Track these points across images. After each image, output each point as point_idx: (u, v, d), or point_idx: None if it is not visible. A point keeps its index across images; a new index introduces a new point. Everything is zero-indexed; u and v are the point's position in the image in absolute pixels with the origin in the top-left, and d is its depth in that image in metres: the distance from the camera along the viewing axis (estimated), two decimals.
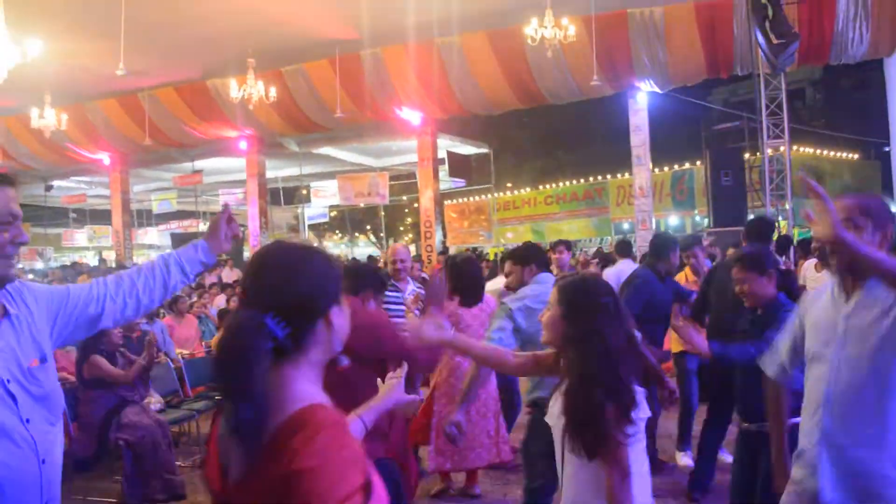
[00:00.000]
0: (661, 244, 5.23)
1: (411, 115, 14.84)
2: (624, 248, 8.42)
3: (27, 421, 1.79)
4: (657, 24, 11.46)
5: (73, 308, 2.01)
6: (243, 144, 16.91)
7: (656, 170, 19.58)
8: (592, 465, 2.15)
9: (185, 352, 7.74)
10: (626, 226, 21.07)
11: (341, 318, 1.50)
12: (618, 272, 7.39)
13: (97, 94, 15.17)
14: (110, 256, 21.13)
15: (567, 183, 23.03)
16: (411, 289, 5.60)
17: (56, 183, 21.58)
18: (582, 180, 22.61)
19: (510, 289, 4.08)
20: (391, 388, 2.20)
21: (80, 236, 24.57)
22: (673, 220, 21.53)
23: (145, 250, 26.89)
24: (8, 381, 1.77)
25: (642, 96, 13.32)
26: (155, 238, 25.60)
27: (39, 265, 22.06)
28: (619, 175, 19.85)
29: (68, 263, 18.50)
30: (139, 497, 4.96)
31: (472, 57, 12.84)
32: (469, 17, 11.68)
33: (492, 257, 21.34)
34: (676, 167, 19.86)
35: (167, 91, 15.07)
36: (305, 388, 1.43)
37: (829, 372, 2.26)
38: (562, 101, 13.96)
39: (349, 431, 1.43)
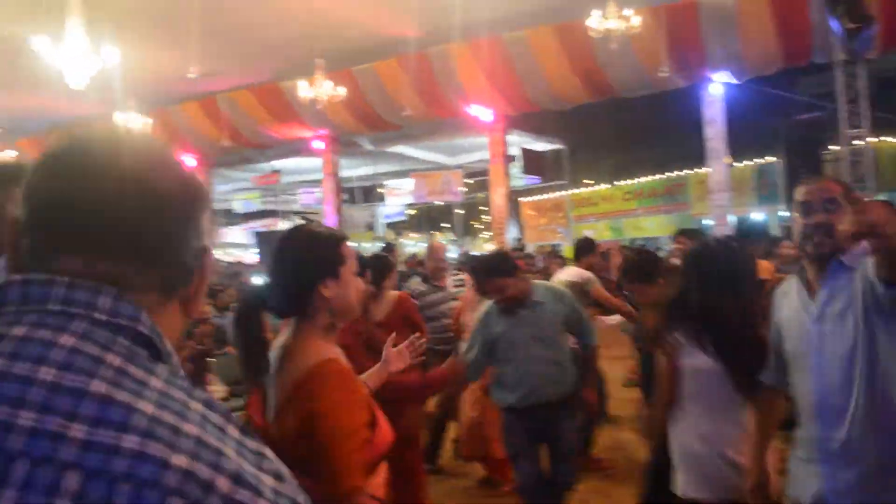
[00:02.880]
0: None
1: (482, 112, 14.83)
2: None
3: None
4: (729, 11, 11.06)
5: None
6: (318, 144, 17.25)
7: (738, 164, 18.98)
8: None
9: None
10: (708, 222, 20.51)
11: (336, 290, 1.87)
12: None
13: (178, 98, 15.75)
14: None
15: (646, 178, 22.57)
16: (451, 282, 5.59)
17: None
18: (661, 175, 22.13)
19: None
20: (390, 355, 2.52)
21: None
22: (757, 215, 20.82)
23: (231, 248, 27.78)
24: None
25: (716, 87, 12.90)
26: (239, 236, 26.44)
27: None
28: (698, 169, 19.32)
29: None
30: None
31: (539, 52, 12.72)
32: (535, 12, 11.59)
33: (569, 255, 21.17)
34: (759, 160, 19.20)
35: (243, 93, 15.52)
36: (319, 346, 1.83)
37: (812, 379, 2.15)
38: (633, 94, 13.67)
39: (356, 379, 1.87)
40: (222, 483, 0.62)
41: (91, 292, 0.70)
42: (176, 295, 0.79)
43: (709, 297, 2.71)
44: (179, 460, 0.61)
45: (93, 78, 9.64)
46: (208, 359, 5.95)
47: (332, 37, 12.14)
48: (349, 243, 1.97)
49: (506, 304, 3.92)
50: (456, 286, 5.65)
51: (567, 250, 23.51)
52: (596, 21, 9.74)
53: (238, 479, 0.63)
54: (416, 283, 5.71)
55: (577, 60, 12.46)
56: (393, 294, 4.35)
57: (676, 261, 8.22)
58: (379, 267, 4.18)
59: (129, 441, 0.60)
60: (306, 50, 12.39)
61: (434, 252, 5.75)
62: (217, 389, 6.14)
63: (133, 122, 13.74)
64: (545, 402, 3.90)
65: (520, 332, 3.93)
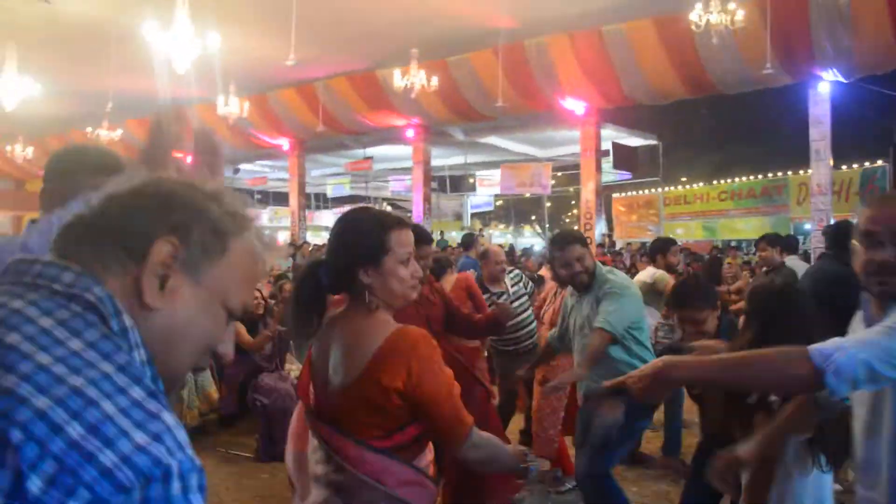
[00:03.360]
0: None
1: (575, 105, 14.64)
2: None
3: None
4: (842, 6, 10.52)
5: None
6: (410, 133, 17.41)
7: (844, 167, 18.15)
8: None
9: None
10: (807, 226, 19.71)
11: (375, 277, 1.92)
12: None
13: (278, 84, 16.16)
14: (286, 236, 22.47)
15: (744, 178, 21.84)
16: (509, 284, 5.54)
17: (242, 166, 23.29)
18: (760, 176, 21.37)
19: None
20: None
21: (263, 216, 26.37)
22: None
23: (322, 231, 28.41)
24: None
25: (824, 86, 12.33)
26: (329, 220, 26.98)
27: None
28: (801, 171, 18.54)
29: None
30: (271, 455, 5.35)
31: (638, 45, 12.44)
32: (634, 4, 11.34)
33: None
34: (868, 164, 18.29)
35: (340, 81, 15.79)
36: (386, 319, 1.94)
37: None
38: (733, 90, 13.21)
39: (431, 337, 1.95)
40: (73, 428, 0.67)
41: (59, 269, 0.81)
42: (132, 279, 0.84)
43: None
44: (40, 402, 0.67)
45: (195, 62, 10.01)
46: (288, 339, 6.11)
47: (427, 26, 12.21)
48: (403, 232, 1.97)
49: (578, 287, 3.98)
50: (513, 284, 5.59)
51: None
52: (697, 14, 9.44)
53: (95, 429, 0.68)
54: None
55: (677, 54, 12.12)
56: (453, 277, 5.10)
57: (760, 269, 7.97)
58: (436, 269, 4.76)
59: (8, 381, 0.68)
60: (402, 39, 12.51)
61: (492, 256, 5.65)
62: (293, 368, 6.32)
63: (233, 105, 14.20)
64: (586, 392, 3.98)
65: (574, 319, 4.05)
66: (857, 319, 1.99)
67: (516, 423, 5.95)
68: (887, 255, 1.75)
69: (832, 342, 1.68)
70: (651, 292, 5.77)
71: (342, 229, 2.02)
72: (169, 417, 0.73)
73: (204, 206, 0.90)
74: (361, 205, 24.66)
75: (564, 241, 3.95)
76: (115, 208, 0.87)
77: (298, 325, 2.02)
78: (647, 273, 6.11)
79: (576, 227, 16.79)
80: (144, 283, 0.83)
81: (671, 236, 22.86)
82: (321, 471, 1.98)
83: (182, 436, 0.73)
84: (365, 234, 1.96)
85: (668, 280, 5.80)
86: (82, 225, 0.87)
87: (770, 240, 6.66)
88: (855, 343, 1.68)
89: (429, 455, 2.04)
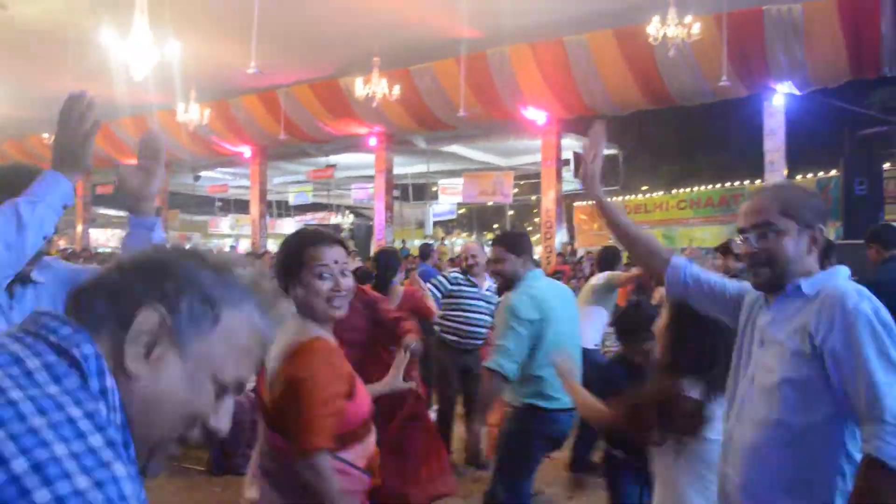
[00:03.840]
0: None
1: (536, 115, 14.77)
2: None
3: None
4: (796, 20, 10.80)
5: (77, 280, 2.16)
6: (373, 141, 17.39)
7: (799, 176, 18.51)
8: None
9: None
10: None
11: (298, 291, 2.09)
12: None
13: (239, 91, 16.04)
14: (247, 244, 22.26)
15: (702, 188, 22.15)
16: (488, 285, 5.64)
17: (203, 173, 23.01)
18: (718, 185, 21.69)
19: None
20: (390, 375, 2.61)
21: (224, 224, 26.11)
22: None
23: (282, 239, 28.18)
24: None
25: (778, 98, 12.63)
26: (291, 228, 26.75)
27: None
28: (757, 181, 18.88)
29: None
30: (223, 468, 5.31)
31: (598, 56, 12.61)
32: (595, 16, 11.49)
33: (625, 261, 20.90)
34: (822, 174, 18.68)
35: (303, 88, 15.73)
36: (308, 327, 2.10)
37: None
38: (691, 102, 13.46)
39: (339, 356, 2.11)
40: (18, 464, 0.69)
41: (59, 323, 0.84)
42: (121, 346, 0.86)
43: None
44: None
45: (155, 68, 9.90)
46: None
47: (390, 35, 12.23)
48: (320, 247, 2.12)
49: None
50: (489, 288, 5.72)
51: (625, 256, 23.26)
52: (655, 27, 9.60)
53: (38, 468, 0.70)
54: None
55: (636, 66, 12.31)
56: (400, 289, 5.10)
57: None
58: (383, 261, 4.92)
59: None
60: (365, 47, 12.50)
61: (465, 251, 6.04)
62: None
63: (193, 112, 14.06)
64: None
65: None
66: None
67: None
68: (749, 247, 1.92)
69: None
70: (604, 291, 5.89)
71: (278, 249, 2.31)
72: (120, 468, 0.74)
73: (197, 274, 0.89)
74: (349, 216, 24.48)
75: (494, 240, 4.07)
76: (115, 272, 0.90)
77: None
78: (598, 276, 6.20)
79: (537, 236, 16.90)
80: (127, 350, 0.84)
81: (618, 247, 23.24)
82: (258, 462, 2.20)
83: (130, 488, 0.74)
84: (286, 251, 2.21)
85: (621, 275, 5.91)
86: (90, 284, 0.90)
87: (724, 249, 6.75)
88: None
89: (364, 450, 2.16)
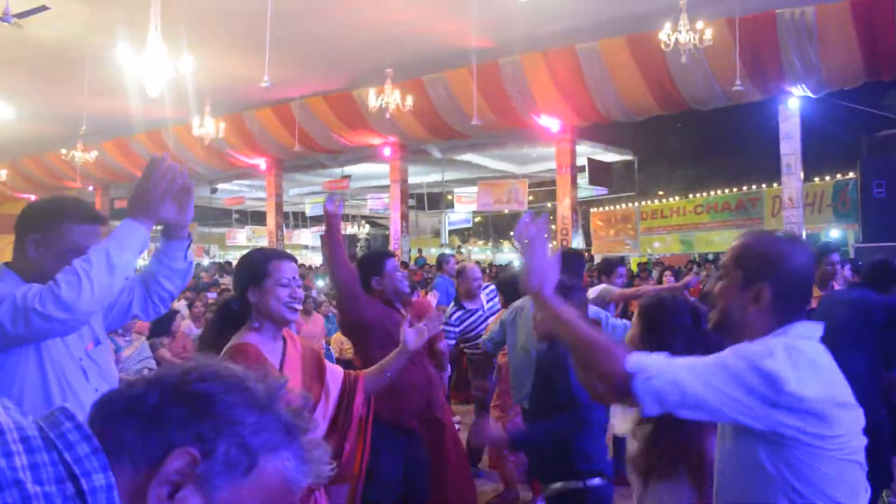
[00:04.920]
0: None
1: (550, 123, 14.76)
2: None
3: (96, 391, 2.07)
4: (809, 24, 10.74)
5: (116, 297, 2.28)
6: (387, 151, 17.45)
7: (816, 179, 18.38)
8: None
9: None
10: None
11: (258, 296, 2.43)
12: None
13: (254, 104, 16.16)
14: None
15: (719, 192, 22.02)
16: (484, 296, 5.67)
17: (220, 186, 23.20)
18: (735, 189, 21.56)
19: None
20: (406, 334, 2.79)
21: (241, 235, 26.26)
22: (834, 232, 20.09)
23: (301, 250, 28.28)
24: (80, 359, 2.15)
25: (794, 101, 12.54)
26: (308, 239, 26.90)
27: (206, 262, 23.77)
28: (774, 184, 18.76)
29: (222, 262, 19.76)
30: None
31: (611, 63, 12.58)
32: (607, 23, 11.49)
33: (634, 267, 20.83)
34: (839, 176, 18.53)
35: (317, 100, 15.82)
36: (242, 335, 2.45)
37: None
38: (706, 107, 13.39)
39: (258, 356, 2.37)
40: None
41: (79, 437, 0.76)
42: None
43: None
44: None
45: (171, 83, 9.99)
46: None
47: (403, 46, 12.28)
48: (283, 262, 2.47)
49: None
50: (489, 300, 5.71)
51: (633, 262, 23.18)
52: (666, 34, 9.57)
53: None
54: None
55: (649, 72, 12.28)
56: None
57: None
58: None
59: None
60: (378, 59, 12.56)
61: (468, 273, 5.81)
62: None
63: (208, 126, 14.18)
64: None
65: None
66: None
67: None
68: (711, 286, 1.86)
69: (656, 358, 1.63)
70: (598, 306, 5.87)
71: (238, 263, 2.65)
72: None
73: (239, 414, 0.81)
74: (366, 227, 24.67)
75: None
76: (152, 396, 0.81)
77: (205, 342, 2.78)
78: (592, 290, 6.12)
79: (553, 244, 16.87)
80: (151, 490, 0.77)
81: (648, 250, 23.13)
82: None
83: None
84: (251, 262, 2.54)
85: (612, 290, 5.88)
86: (122, 403, 0.82)
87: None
88: (680, 366, 1.62)
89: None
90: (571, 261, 4.24)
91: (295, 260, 2.58)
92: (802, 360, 1.60)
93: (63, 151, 17.53)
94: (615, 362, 1.61)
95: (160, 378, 0.84)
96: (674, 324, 2.43)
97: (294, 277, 2.48)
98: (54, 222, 2.12)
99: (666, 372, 1.58)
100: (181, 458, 0.77)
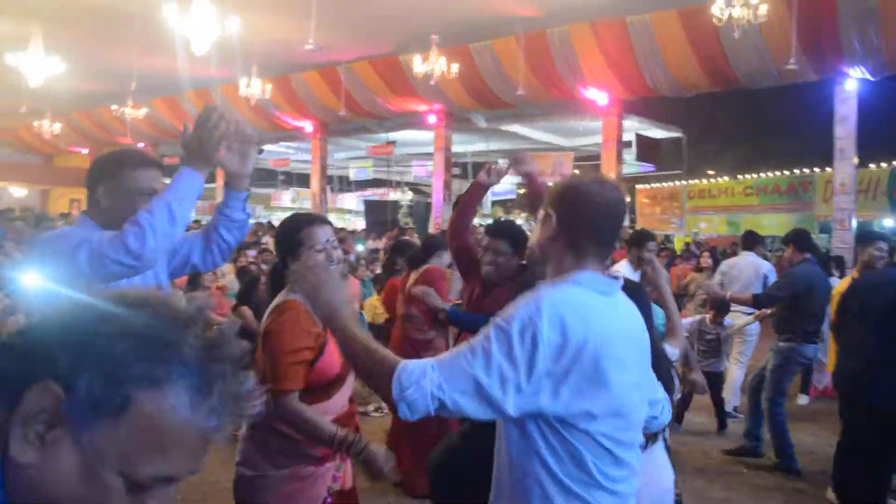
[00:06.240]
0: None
1: (597, 96, 14.51)
2: (749, 241, 7.96)
3: None
4: (871, 3, 10.31)
5: (177, 248, 2.49)
6: (433, 118, 17.37)
7: (872, 165, 17.85)
8: None
9: None
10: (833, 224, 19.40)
11: (294, 264, 2.42)
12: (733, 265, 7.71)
13: (301, 66, 16.19)
14: None
15: (770, 174, 21.53)
16: None
17: (266, 147, 23.38)
18: (786, 172, 21.05)
19: None
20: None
21: (286, 197, 26.52)
22: (888, 221, 19.54)
23: (344, 214, 28.48)
24: None
25: (851, 84, 12.10)
26: (352, 203, 27.07)
27: (251, 222, 24.07)
28: (828, 168, 18.25)
29: (264, 222, 20.01)
30: None
31: (662, 36, 12.28)
32: None
33: (679, 247, 20.53)
34: (895, 163, 17.95)
35: (362, 65, 15.78)
36: (287, 293, 2.56)
37: None
38: (758, 85, 13.00)
39: (307, 316, 2.46)
40: None
41: None
42: None
43: None
44: None
45: (217, 44, 10.06)
46: None
47: (450, 11, 12.16)
48: (315, 227, 2.58)
49: None
50: None
51: (678, 241, 22.83)
52: (719, 8, 9.29)
53: None
54: None
55: (701, 47, 11.96)
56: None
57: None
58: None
59: None
60: (425, 24, 12.46)
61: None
62: None
63: (255, 87, 14.27)
64: None
65: None
66: None
67: None
68: None
69: (422, 364, 1.64)
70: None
71: (277, 233, 2.79)
72: None
73: (105, 344, 0.72)
74: (408, 193, 24.91)
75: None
76: (18, 337, 0.74)
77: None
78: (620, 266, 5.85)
79: None
80: (10, 434, 0.70)
81: (694, 230, 22.73)
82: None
83: None
84: (285, 232, 2.66)
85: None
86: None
87: (795, 238, 6.43)
88: (438, 368, 1.63)
89: (331, 407, 2.53)
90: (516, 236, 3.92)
91: (328, 222, 2.68)
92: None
93: (114, 107, 17.85)
94: (384, 381, 1.65)
95: (31, 320, 0.78)
96: None
97: (329, 240, 2.57)
98: (116, 169, 2.34)
99: (426, 387, 1.62)
100: (41, 395, 0.69)
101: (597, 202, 1.82)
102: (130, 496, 0.73)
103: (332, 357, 2.51)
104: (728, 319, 7.15)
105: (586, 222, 1.81)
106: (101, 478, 0.71)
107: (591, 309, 1.71)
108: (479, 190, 3.74)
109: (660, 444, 2.69)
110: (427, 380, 1.61)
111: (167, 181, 2.23)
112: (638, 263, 5.31)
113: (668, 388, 2.54)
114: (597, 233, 1.83)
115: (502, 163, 3.97)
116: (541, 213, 1.88)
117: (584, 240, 1.81)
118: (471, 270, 3.89)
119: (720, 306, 7.01)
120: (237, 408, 0.78)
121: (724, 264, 8.03)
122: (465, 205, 3.84)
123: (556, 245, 1.82)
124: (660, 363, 2.33)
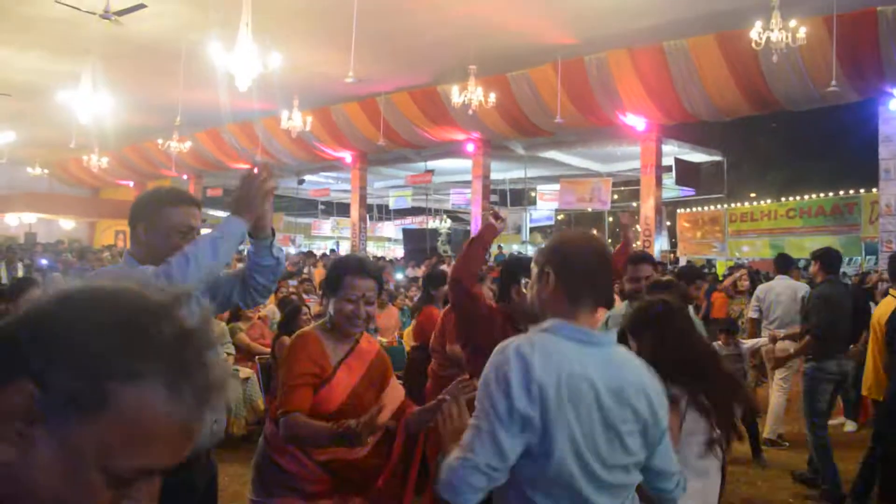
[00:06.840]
0: None
1: (635, 121, 14.51)
2: (782, 264, 7.81)
3: None
4: None
5: (220, 286, 2.53)
6: (470, 147, 17.50)
7: None
8: None
9: (384, 339, 8.19)
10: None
11: (328, 303, 2.72)
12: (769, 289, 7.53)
13: (341, 98, 16.48)
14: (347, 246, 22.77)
15: (813, 196, 21.15)
16: None
17: (307, 177, 23.76)
18: (831, 193, 20.68)
19: None
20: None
21: (326, 226, 26.84)
22: None
23: (384, 242, 28.68)
24: None
25: (895, 103, 11.93)
26: (391, 231, 27.28)
27: (292, 250, 24.39)
28: (873, 189, 17.91)
29: (305, 251, 20.23)
30: None
31: (700, 61, 12.26)
32: (695, 20, 11.20)
33: (721, 271, 20.27)
34: None
35: (401, 96, 16.00)
36: (315, 327, 2.76)
37: None
38: (799, 107, 12.90)
39: (316, 346, 2.64)
40: None
41: None
42: None
43: None
44: None
45: (260, 77, 10.29)
46: None
47: (488, 42, 12.29)
48: (356, 278, 2.64)
49: None
50: None
51: (720, 266, 22.55)
52: (757, 32, 9.25)
53: None
54: None
55: (739, 71, 11.91)
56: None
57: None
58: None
59: None
60: (462, 54, 12.62)
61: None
62: None
63: (296, 119, 14.54)
64: None
65: None
66: None
67: None
68: None
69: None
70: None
71: (328, 267, 2.99)
72: None
73: (80, 337, 0.71)
74: (447, 221, 24.92)
75: (638, 259, 4.32)
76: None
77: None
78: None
79: (637, 244, 16.59)
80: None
81: (737, 254, 22.43)
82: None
83: None
84: (331, 272, 2.78)
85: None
86: None
87: (820, 256, 6.33)
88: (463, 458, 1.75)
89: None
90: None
91: (373, 277, 2.69)
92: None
93: (160, 141, 18.30)
94: None
95: (13, 314, 0.76)
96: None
97: (364, 294, 2.64)
98: (155, 208, 2.42)
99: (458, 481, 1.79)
100: (16, 392, 0.69)
101: (591, 256, 1.92)
102: (112, 490, 0.72)
103: (333, 393, 2.60)
104: (744, 344, 7.01)
105: (585, 275, 1.90)
106: (82, 473, 0.71)
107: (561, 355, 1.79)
108: (489, 233, 3.34)
109: None
110: (456, 474, 1.77)
111: (207, 212, 2.28)
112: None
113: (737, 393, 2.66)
114: (593, 283, 1.91)
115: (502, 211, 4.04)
116: (534, 269, 1.96)
117: (583, 291, 1.89)
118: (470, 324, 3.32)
119: (729, 327, 6.91)
120: (215, 397, 0.77)
121: (760, 289, 7.81)
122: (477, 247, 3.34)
123: (556, 298, 1.89)
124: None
